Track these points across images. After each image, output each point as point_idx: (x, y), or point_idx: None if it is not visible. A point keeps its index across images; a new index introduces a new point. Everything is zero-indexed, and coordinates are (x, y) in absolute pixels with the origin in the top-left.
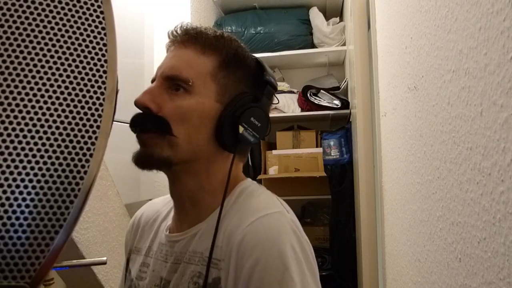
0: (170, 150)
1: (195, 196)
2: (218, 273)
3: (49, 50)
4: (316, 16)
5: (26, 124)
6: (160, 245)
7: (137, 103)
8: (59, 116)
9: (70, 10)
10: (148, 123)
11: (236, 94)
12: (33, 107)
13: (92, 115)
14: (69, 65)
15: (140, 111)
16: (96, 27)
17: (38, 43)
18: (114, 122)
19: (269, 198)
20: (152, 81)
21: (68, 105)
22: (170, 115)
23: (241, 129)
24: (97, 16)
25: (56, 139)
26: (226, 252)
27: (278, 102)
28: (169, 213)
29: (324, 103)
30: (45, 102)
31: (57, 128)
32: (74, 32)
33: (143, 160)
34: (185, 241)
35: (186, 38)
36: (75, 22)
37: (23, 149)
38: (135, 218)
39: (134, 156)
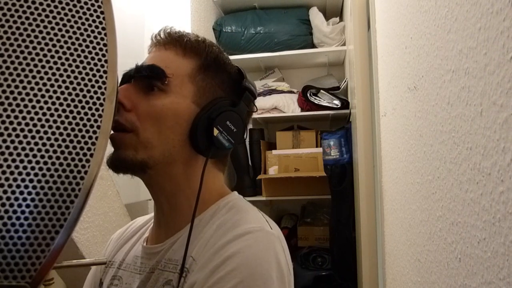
0: (145, 152)
1: (173, 198)
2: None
3: (49, 50)
4: (316, 16)
5: (27, 124)
6: (135, 257)
7: None
8: (59, 116)
9: (70, 10)
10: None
11: (214, 98)
12: (33, 107)
13: (93, 115)
14: (70, 65)
15: None
16: (97, 27)
17: (39, 43)
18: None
19: (250, 214)
20: None
21: (68, 105)
22: (144, 114)
23: (215, 131)
24: (98, 17)
25: (56, 139)
26: (203, 267)
27: (257, 111)
28: (148, 228)
29: (324, 103)
30: (46, 102)
31: (58, 128)
32: (74, 33)
33: (117, 165)
34: (163, 251)
35: (168, 41)
36: (76, 22)
37: (23, 149)
38: (111, 238)
39: (108, 160)
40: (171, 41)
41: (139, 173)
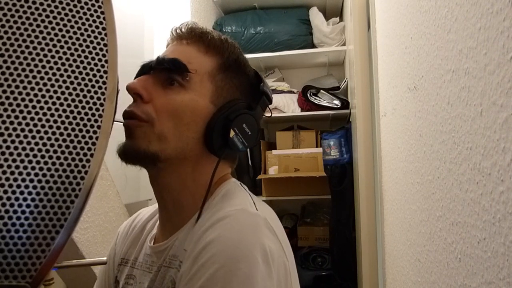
0: (159, 144)
1: (178, 197)
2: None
3: (50, 51)
4: (316, 16)
5: (27, 124)
6: (145, 256)
7: (128, 89)
8: (59, 116)
9: (70, 10)
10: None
11: (231, 99)
12: (33, 107)
13: (93, 115)
14: (70, 65)
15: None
16: (97, 27)
17: (39, 43)
18: (114, 122)
19: (238, 198)
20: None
21: (68, 105)
22: (161, 108)
23: (232, 133)
24: (98, 17)
25: (56, 139)
26: (189, 256)
27: (271, 116)
28: (155, 223)
29: (324, 103)
30: (46, 102)
31: (58, 128)
32: (74, 33)
33: (129, 154)
34: (168, 248)
35: (190, 36)
36: (76, 22)
37: (24, 149)
38: (118, 232)
39: (120, 148)
40: (194, 36)
41: (149, 165)
